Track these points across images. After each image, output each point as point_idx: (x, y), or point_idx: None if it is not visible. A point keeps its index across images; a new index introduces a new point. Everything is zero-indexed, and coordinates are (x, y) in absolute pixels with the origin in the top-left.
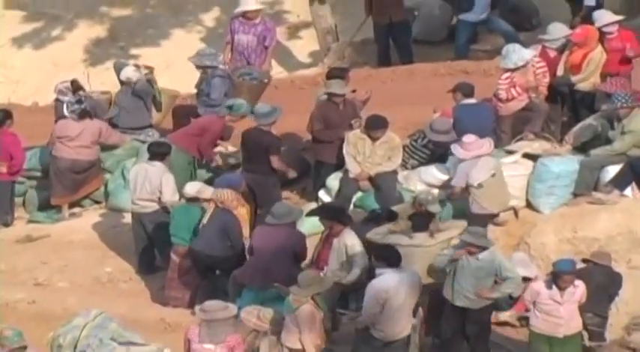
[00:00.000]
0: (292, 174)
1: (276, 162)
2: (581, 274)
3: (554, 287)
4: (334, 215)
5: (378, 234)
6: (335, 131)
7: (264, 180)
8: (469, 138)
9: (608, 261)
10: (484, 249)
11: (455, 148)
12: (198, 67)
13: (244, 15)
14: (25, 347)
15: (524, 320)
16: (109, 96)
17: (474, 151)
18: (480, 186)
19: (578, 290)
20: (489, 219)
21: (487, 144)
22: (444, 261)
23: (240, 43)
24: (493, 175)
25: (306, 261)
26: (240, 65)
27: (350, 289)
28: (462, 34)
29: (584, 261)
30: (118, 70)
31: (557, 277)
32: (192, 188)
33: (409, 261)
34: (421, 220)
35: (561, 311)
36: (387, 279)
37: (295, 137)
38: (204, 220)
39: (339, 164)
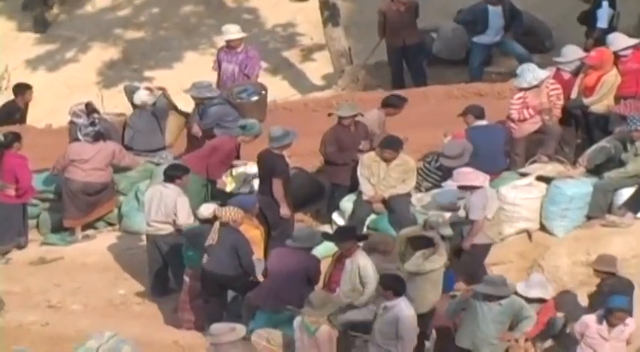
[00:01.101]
0: (284, 210)
1: (276, 187)
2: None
3: (604, 322)
4: (350, 235)
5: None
6: (348, 153)
7: (274, 202)
8: (466, 169)
9: (615, 269)
10: (506, 297)
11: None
12: (196, 99)
13: (228, 44)
14: None
15: (538, 343)
16: (123, 119)
17: (472, 182)
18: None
19: (628, 328)
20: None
21: (482, 176)
22: (452, 306)
23: (226, 72)
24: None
25: (319, 285)
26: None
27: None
28: (475, 57)
29: (596, 271)
30: (129, 93)
31: (610, 313)
32: (206, 210)
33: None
34: (420, 244)
35: (606, 347)
36: (410, 307)
37: (309, 159)
38: (210, 239)
39: (354, 186)
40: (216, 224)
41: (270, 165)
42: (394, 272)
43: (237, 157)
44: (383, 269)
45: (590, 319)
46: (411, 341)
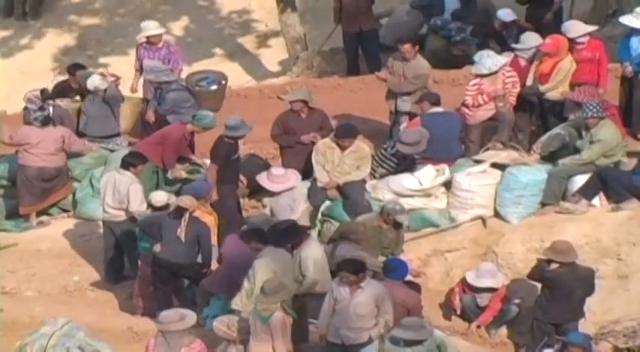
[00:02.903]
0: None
1: (211, 171)
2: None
3: None
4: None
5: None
6: (292, 137)
7: (218, 188)
8: (277, 170)
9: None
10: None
11: (262, 180)
12: (153, 83)
13: (148, 40)
14: None
15: (492, 330)
16: (77, 105)
17: (282, 184)
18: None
19: None
20: None
21: (294, 176)
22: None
23: (139, 61)
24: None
25: None
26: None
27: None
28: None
29: (548, 261)
30: (82, 79)
31: (565, 348)
32: (158, 197)
33: None
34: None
35: None
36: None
37: (263, 146)
38: (179, 231)
39: (308, 173)
40: (186, 215)
41: (214, 150)
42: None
43: (191, 146)
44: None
45: None
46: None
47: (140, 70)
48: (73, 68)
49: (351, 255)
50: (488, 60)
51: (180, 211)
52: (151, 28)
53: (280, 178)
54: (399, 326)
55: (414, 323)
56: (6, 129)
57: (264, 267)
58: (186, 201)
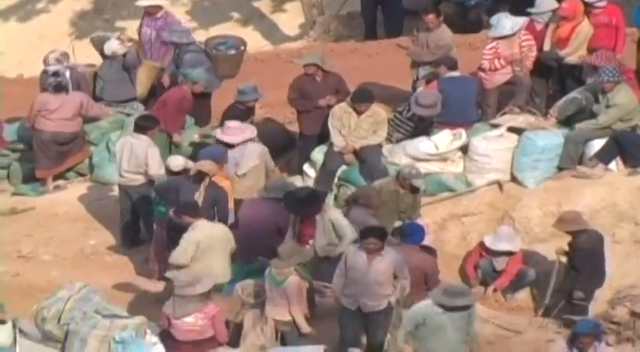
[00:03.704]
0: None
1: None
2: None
3: (574, 349)
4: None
5: None
6: (310, 102)
7: None
8: (233, 123)
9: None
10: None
11: (218, 134)
12: (172, 43)
13: (146, 10)
14: (2, 321)
15: (508, 294)
16: (93, 70)
17: (237, 136)
18: (243, 175)
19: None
20: None
21: (249, 130)
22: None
23: (144, 36)
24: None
25: (288, 236)
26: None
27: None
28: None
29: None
30: (98, 43)
31: (575, 338)
32: (175, 161)
33: None
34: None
35: None
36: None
37: (280, 110)
38: (198, 196)
39: (324, 137)
40: (206, 180)
41: (223, 115)
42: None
43: (208, 113)
44: (363, 223)
45: (561, 345)
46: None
47: (139, 35)
48: None
49: (362, 220)
50: (507, 21)
51: (200, 175)
52: None
53: (235, 131)
54: (443, 293)
55: (460, 290)
56: None
57: (193, 242)
58: (208, 165)
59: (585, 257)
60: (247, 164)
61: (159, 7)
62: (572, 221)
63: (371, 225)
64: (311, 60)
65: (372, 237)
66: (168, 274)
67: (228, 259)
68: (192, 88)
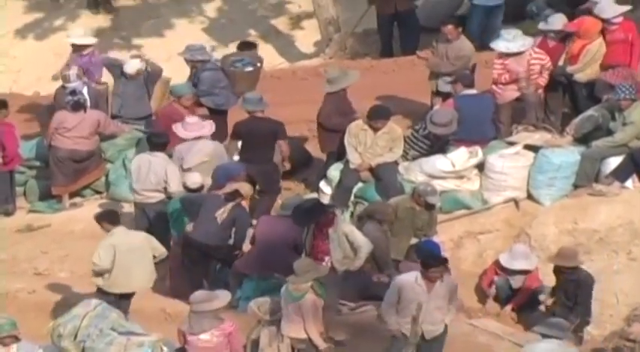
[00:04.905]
0: (287, 165)
1: (284, 146)
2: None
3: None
4: (322, 211)
5: None
6: (347, 119)
7: (267, 167)
8: (192, 119)
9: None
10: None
11: (176, 129)
12: (189, 61)
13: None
14: (15, 337)
15: (525, 312)
16: (104, 87)
17: (191, 132)
18: (189, 169)
19: None
20: None
21: (208, 126)
22: None
23: (70, 70)
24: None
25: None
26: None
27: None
28: (474, 19)
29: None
30: (110, 66)
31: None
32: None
33: None
34: None
35: None
36: None
37: (297, 127)
38: (221, 212)
39: (341, 155)
40: (237, 201)
41: (268, 129)
42: (385, 242)
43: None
44: (376, 239)
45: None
46: None
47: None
48: (245, 46)
49: (375, 235)
50: (511, 41)
51: (234, 195)
52: (76, 34)
53: (192, 126)
54: (543, 325)
55: (561, 324)
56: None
57: (107, 246)
58: (245, 187)
59: (589, 290)
60: (192, 160)
61: (81, 46)
62: (572, 257)
63: (434, 254)
64: (346, 84)
65: (435, 266)
66: (93, 280)
67: (150, 266)
68: (180, 102)
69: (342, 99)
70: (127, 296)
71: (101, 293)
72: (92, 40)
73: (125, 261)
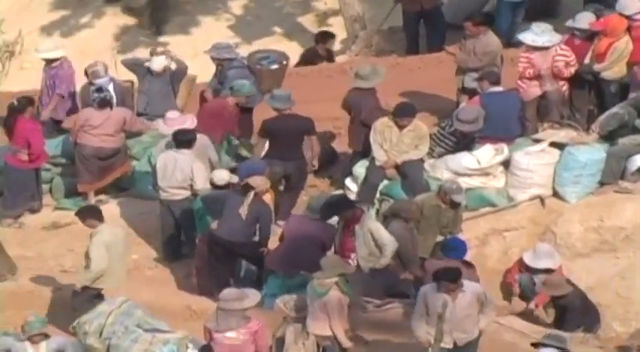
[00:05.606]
0: (316, 163)
1: (315, 143)
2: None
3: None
4: (348, 206)
5: None
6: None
7: (300, 164)
8: (173, 114)
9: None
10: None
11: (158, 123)
12: (215, 59)
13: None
14: (45, 335)
15: (549, 309)
16: (131, 84)
17: (175, 127)
18: None
19: None
20: None
21: (190, 120)
22: None
23: (43, 82)
24: None
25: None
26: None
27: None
28: (503, 17)
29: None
30: (132, 65)
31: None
32: (220, 175)
33: None
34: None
35: None
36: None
37: (322, 125)
38: (242, 209)
39: (367, 152)
40: (250, 195)
41: (300, 126)
42: (411, 241)
43: (249, 125)
44: (402, 237)
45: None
46: None
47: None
48: (321, 36)
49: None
50: (539, 34)
51: (247, 189)
52: (46, 48)
53: (173, 122)
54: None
55: (558, 336)
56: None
57: (98, 243)
58: (258, 180)
59: (575, 315)
60: None
61: (50, 60)
62: (558, 286)
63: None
64: (379, 80)
65: (444, 280)
66: (80, 278)
67: (125, 262)
68: (239, 101)
69: (375, 96)
70: (101, 293)
71: (84, 290)
72: (60, 53)
73: (113, 258)
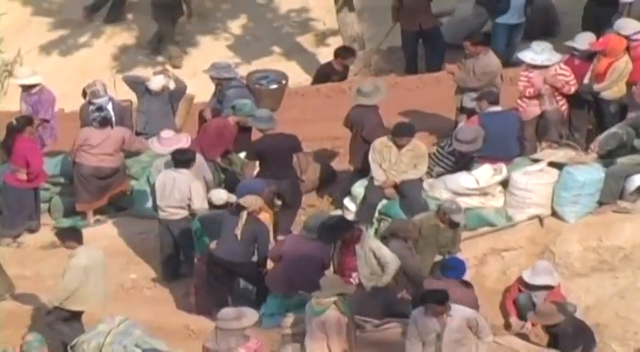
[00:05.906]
0: (305, 178)
1: (303, 158)
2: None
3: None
4: (347, 228)
5: None
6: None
7: (293, 181)
8: (167, 134)
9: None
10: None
11: (152, 144)
12: (214, 79)
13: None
14: None
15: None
16: (129, 104)
17: (168, 147)
18: None
19: None
20: None
21: (184, 139)
22: None
23: (20, 106)
24: None
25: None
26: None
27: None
28: (499, 39)
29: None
30: (132, 83)
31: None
32: (218, 195)
33: None
34: None
35: None
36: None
37: (321, 144)
38: (236, 229)
39: (365, 171)
40: (243, 214)
41: (287, 145)
42: (413, 258)
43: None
44: (403, 255)
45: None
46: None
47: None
48: (343, 51)
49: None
50: (538, 53)
51: (239, 209)
52: (23, 75)
53: (168, 141)
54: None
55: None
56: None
57: (75, 266)
58: (248, 200)
59: (568, 341)
60: None
61: (28, 86)
62: (550, 315)
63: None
64: (381, 97)
65: (430, 302)
66: (52, 300)
67: (105, 284)
68: (240, 120)
69: (378, 113)
70: (80, 314)
71: (56, 309)
72: (38, 79)
73: (89, 280)
